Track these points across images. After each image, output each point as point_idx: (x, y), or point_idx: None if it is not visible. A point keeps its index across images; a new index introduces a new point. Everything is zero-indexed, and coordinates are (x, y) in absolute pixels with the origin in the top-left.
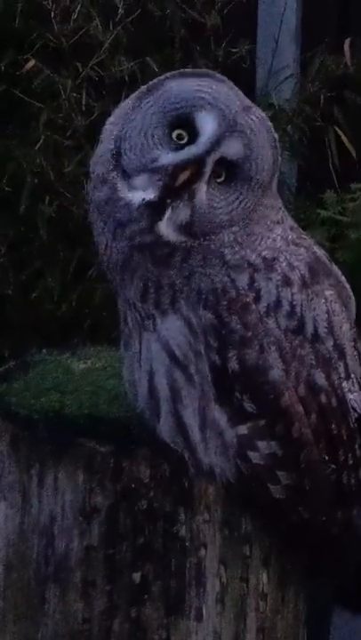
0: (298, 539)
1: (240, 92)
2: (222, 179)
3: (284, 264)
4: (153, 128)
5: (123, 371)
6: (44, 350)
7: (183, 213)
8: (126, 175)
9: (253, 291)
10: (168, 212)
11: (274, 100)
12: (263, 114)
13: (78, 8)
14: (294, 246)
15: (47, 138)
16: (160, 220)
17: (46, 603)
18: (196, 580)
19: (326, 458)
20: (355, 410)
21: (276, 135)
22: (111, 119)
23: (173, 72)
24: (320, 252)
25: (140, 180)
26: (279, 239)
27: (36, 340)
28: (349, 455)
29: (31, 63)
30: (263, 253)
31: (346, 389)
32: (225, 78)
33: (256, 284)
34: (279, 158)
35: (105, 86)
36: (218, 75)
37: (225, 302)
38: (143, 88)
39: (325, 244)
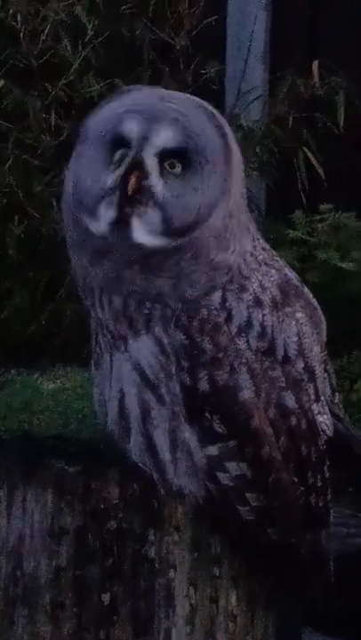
0: (267, 560)
1: (155, 89)
2: (178, 169)
3: (255, 284)
4: (96, 162)
5: (93, 391)
6: (12, 370)
7: (152, 216)
8: (91, 212)
9: (225, 310)
10: (135, 221)
11: (243, 121)
12: (189, 96)
13: (48, 29)
14: (266, 267)
15: (16, 157)
16: (131, 231)
17: (15, 625)
18: (166, 602)
19: (296, 480)
20: (324, 432)
21: (213, 110)
22: (66, 172)
23: (94, 110)
24: (291, 275)
25: (100, 209)
26: (250, 247)
27: (5, 361)
28: (318, 477)
29: (0, 83)
30: (238, 260)
31: (316, 411)
32: (140, 86)
33: (228, 304)
34: (224, 126)
35: (74, 107)
36: (132, 87)
37: (196, 322)
38: (80, 136)
39: (295, 265)
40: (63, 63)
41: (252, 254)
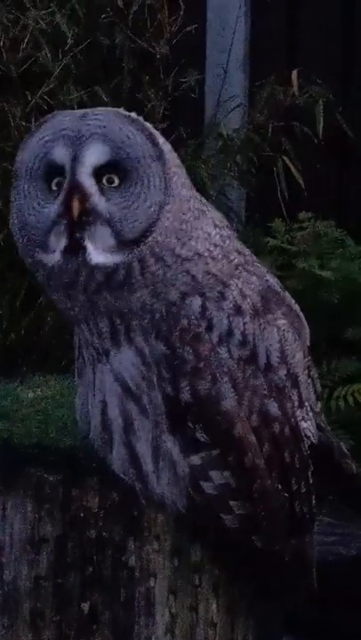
0: (250, 567)
1: (71, 111)
2: (117, 182)
3: (235, 292)
4: (35, 197)
5: (75, 400)
6: None
7: (103, 234)
8: (43, 247)
9: (205, 320)
10: (88, 243)
11: (223, 129)
12: (110, 109)
13: (27, 37)
14: (246, 273)
15: None
16: (86, 253)
17: None
18: (146, 610)
19: (280, 487)
20: (308, 438)
21: (136, 117)
22: (10, 220)
23: (20, 145)
24: (272, 280)
25: (51, 241)
26: (213, 231)
27: None
28: (302, 483)
29: None
30: (206, 245)
31: (299, 418)
32: (53, 113)
33: (208, 313)
34: (147, 127)
35: None
36: (48, 115)
37: (177, 332)
38: (15, 174)
39: (274, 273)
40: (43, 71)
41: (220, 246)
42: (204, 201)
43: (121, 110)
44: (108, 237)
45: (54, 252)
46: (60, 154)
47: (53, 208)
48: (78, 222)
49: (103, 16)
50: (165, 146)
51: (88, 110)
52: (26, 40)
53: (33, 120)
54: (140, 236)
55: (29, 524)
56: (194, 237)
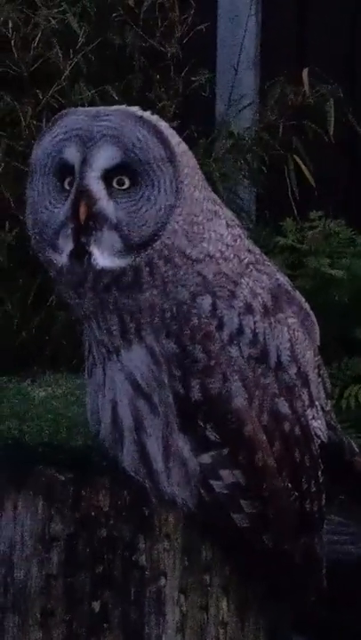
0: (260, 566)
1: (86, 109)
2: (127, 184)
3: (246, 291)
4: (48, 195)
5: (86, 399)
6: (3, 377)
7: (110, 238)
8: (53, 246)
9: (216, 318)
10: (94, 249)
11: (233, 128)
12: (125, 109)
13: (39, 36)
14: (256, 272)
15: (7, 165)
16: (92, 258)
17: (5, 633)
18: (156, 609)
19: (290, 485)
20: (318, 437)
21: (150, 117)
22: (26, 213)
23: (35, 141)
24: (283, 279)
25: (60, 242)
26: (225, 232)
27: None
28: (312, 482)
29: None
30: (218, 247)
31: (310, 417)
32: (68, 110)
33: (218, 312)
34: (159, 128)
35: None
36: (64, 110)
37: (188, 331)
38: (29, 169)
39: (285, 272)
40: (54, 70)
41: (231, 247)
42: (218, 201)
43: (134, 110)
44: (115, 242)
45: (62, 253)
46: (72, 154)
47: (63, 209)
48: (85, 226)
49: (114, 15)
50: (179, 147)
51: (101, 109)
52: (37, 39)
53: (44, 119)
54: (147, 239)
55: (40, 522)
56: (206, 239)
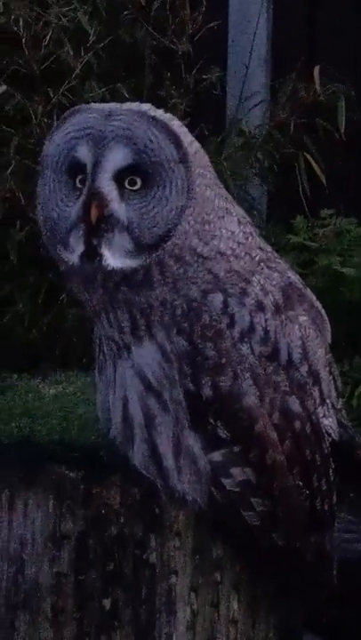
0: (271, 564)
1: (98, 108)
2: (139, 185)
3: (257, 288)
4: (60, 192)
5: (96, 396)
6: (14, 375)
7: (121, 240)
8: (64, 244)
9: (227, 316)
10: (105, 250)
11: (244, 126)
12: (138, 108)
13: (50, 34)
14: (268, 270)
15: (18, 163)
16: (103, 259)
17: (16, 630)
18: (167, 607)
19: (301, 484)
20: (329, 435)
21: (163, 117)
22: (37, 208)
23: (47, 136)
24: (294, 277)
25: (71, 241)
26: (237, 229)
27: (6, 366)
28: (323, 481)
29: (2, 88)
30: (229, 244)
31: (321, 415)
32: (80, 106)
33: (229, 309)
34: (172, 127)
35: None
36: (76, 107)
37: (198, 328)
38: (41, 165)
39: (296, 270)
40: (65, 68)
41: (243, 244)
42: (230, 198)
43: (147, 109)
44: (126, 243)
45: (73, 253)
46: (83, 154)
47: (75, 209)
48: (96, 228)
49: (125, 13)
50: (191, 147)
51: (113, 107)
52: (48, 37)
53: (55, 117)
54: (159, 240)
55: (51, 520)
56: (217, 237)
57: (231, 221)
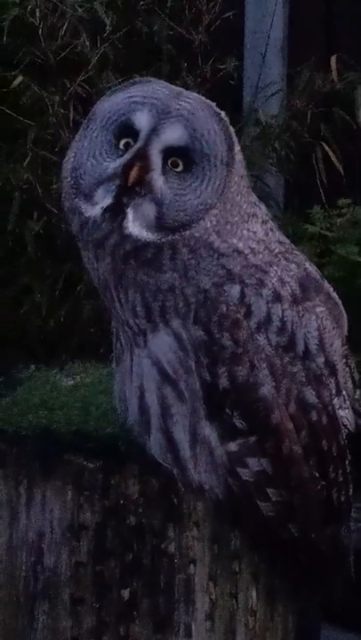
0: (287, 555)
1: (169, 85)
2: (180, 168)
3: (274, 279)
4: (100, 147)
5: (114, 386)
6: (31, 366)
7: (148, 209)
8: (87, 196)
9: (244, 306)
10: (130, 212)
11: (261, 115)
12: (201, 97)
13: (66, 25)
14: (285, 261)
15: (35, 154)
16: (125, 221)
17: (35, 620)
18: (185, 597)
19: (317, 475)
20: (345, 426)
21: (221, 113)
22: (66, 158)
23: (104, 96)
24: (311, 269)
25: (98, 194)
26: (260, 230)
27: (23, 356)
28: (340, 472)
29: (19, 80)
30: (248, 243)
31: (337, 406)
32: (151, 78)
33: (247, 299)
34: (230, 131)
35: (92, 102)
36: (144, 78)
37: (215, 318)
38: (88, 119)
39: (313, 260)
40: (81, 59)
41: (263, 241)
42: (258, 202)
43: (213, 105)
44: (150, 214)
45: (96, 205)
46: (142, 119)
47: (113, 165)
48: (130, 188)
49: (141, 3)
50: (238, 155)
51: (184, 90)
52: (64, 27)
53: (71, 108)
54: (179, 226)
55: (69, 511)
56: (237, 235)
57: (255, 222)
